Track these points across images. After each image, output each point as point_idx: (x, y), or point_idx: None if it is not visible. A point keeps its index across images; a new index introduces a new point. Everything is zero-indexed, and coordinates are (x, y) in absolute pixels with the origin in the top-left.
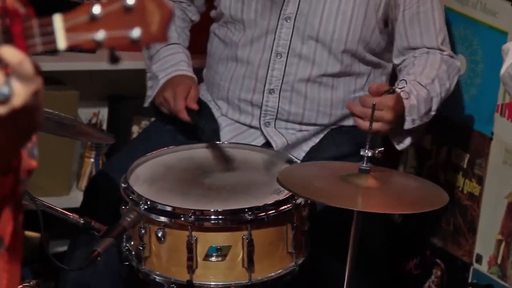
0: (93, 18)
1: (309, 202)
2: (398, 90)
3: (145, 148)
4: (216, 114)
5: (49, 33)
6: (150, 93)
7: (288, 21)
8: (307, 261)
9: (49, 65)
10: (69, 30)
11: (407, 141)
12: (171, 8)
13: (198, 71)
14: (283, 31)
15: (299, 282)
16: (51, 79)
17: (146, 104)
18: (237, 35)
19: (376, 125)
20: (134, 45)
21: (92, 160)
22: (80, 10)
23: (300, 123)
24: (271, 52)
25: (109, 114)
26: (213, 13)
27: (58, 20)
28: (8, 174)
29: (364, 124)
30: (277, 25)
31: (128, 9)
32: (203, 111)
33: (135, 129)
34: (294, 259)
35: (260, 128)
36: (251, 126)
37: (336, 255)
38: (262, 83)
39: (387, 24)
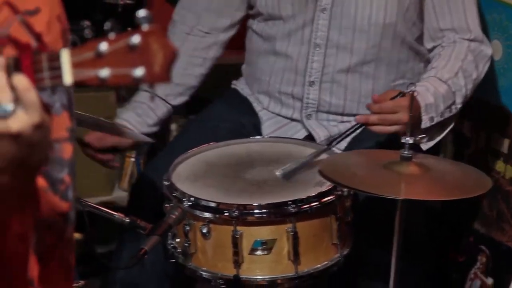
0: (99, 55)
1: (352, 192)
2: (407, 92)
3: (186, 146)
4: (257, 108)
5: (56, 68)
6: None
7: (324, 12)
8: (352, 251)
9: None
10: (75, 65)
11: (431, 142)
12: (175, 49)
13: (236, 66)
14: (320, 23)
15: (344, 273)
16: None
17: None
18: (275, 29)
19: (393, 128)
20: (137, 84)
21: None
22: (87, 46)
23: (342, 114)
24: (310, 44)
25: None
26: (249, 11)
27: (65, 55)
28: (24, 213)
29: (384, 129)
30: (314, 17)
31: (132, 48)
32: (242, 105)
33: (173, 127)
34: (339, 250)
35: (302, 120)
36: (292, 119)
37: (380, 245)
38: (302, 76)
39: (420, 5)
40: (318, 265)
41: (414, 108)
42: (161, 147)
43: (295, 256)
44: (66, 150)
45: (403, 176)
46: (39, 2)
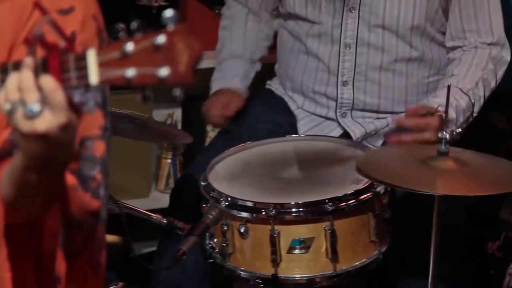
0: (125, 55)
1: (389, 189)
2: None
3: (223, 146)
4: (292, 107)
5: (82, 68)
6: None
7: (353, 11)
8: (390, 248)
9: None
10: (101, 65)
11: None
12: (200, 49)
13: (269, 66)
14: (349, 22)
15: (383, 270)
16: None
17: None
18: (305, 28)
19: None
20: (162, 84)
21: (169, 161)
22: (113, 46)
23: (377, 112)
24: (340, 44)
25: (183, 115)
26: (280, 8)
27: (91, 55)
28: (50, 210)
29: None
30: (342, 17)
31: (158, 47)
32: (278, 105)
33: (209, 128)
34: (377, 247)
35: (337, 119)
36: (327, 118)
37: (418, 241)
38: (335, 76)
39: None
40: (357, 263)
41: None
42: (197, 148)
43: (333, 254)
44: (98, 148)
45: (440, 172)
46: (74, 1)
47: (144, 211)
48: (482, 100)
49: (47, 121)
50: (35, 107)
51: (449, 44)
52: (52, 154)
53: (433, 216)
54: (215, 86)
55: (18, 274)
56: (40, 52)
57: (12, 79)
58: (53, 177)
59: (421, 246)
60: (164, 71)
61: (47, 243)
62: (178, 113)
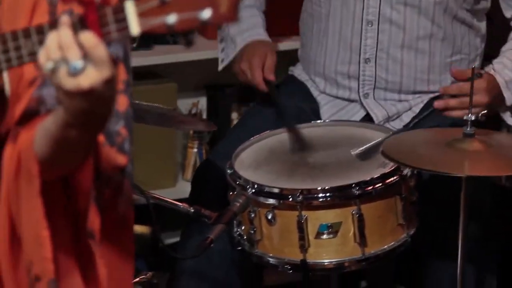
0: (164, 2)
1: (415, 172)
2: (483, 72)
3: (247, 133)
4: (315, 93)
5: (122, 20)
6: (223, 56)
7: None
8: (418, 231)
9: (146, 59)
10: (141, 15)
11: None
12: None
13: (292, 53)
14: None
15: (411, 253)
16: (149, 73)
17: (220, 68)
18: (325, 7)
19: (474, 111)
20: (205, 26)
21: (195, 150)
22: None
23: (399, 92)
24: (362, 21)
25: (208, 103)
26: None
27: (130, 6)
28: (85, 167)
29: (457, 113)
30: None
31: None
32: (301, 91)
33: (235, 116)
34: (405, 230)
35: (360, 100)
36: (350, 100)
37: (446, 223)
38: (357, 53)
39: None
40: (385, 246)
41: (493, 87)
42: (222, 135)
43: (361, 238)
44: (122, 103)
45: (467, 153)
46: None
47: (171, 200)
48: None
49: (91, 77)
50: (78, 63)
51: (508, 14)
52: (95, 109)
53: (460, 197)
54: (239, 40)
55: (55, 232)
56: (78, 10)
57: (52, 37)
58: (93, 133)
59: (449, 227)
60: (206, 13)
61: (81, 199)
62: (203, 102)
